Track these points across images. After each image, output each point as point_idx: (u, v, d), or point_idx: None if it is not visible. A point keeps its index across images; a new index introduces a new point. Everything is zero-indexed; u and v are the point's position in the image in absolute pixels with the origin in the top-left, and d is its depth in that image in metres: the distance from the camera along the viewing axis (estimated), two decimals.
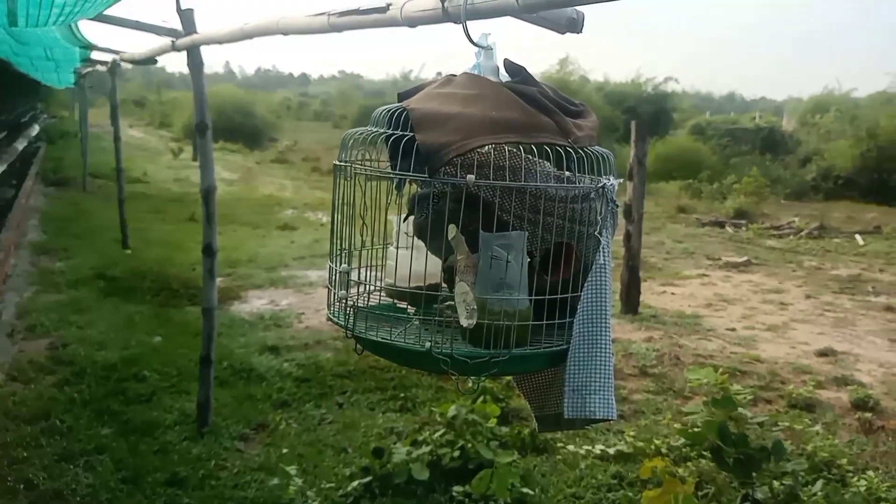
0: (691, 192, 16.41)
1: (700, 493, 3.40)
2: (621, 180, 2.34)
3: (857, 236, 12.28)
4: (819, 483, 3.16)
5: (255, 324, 6.06)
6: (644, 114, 20.83)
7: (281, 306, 6.68)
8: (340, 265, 2.39)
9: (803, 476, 3.21)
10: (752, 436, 3.23)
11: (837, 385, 5.20)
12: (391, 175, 2.36)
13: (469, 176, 2.16)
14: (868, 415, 4.57)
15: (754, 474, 3.05)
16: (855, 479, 3.58)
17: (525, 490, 3.31)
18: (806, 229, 12.77)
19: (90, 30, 7.36)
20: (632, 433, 4.10)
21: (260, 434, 4.09)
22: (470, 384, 4.21)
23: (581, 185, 2.25)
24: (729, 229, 13.08)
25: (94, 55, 7.78)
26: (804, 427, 4.25)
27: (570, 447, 3.95)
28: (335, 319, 2.31)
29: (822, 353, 5.96)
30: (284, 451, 3.82)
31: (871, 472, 3.66)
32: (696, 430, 3.32)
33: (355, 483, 3.35)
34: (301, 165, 21.58)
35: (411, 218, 2.43)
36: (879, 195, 16.44)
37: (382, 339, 2.20)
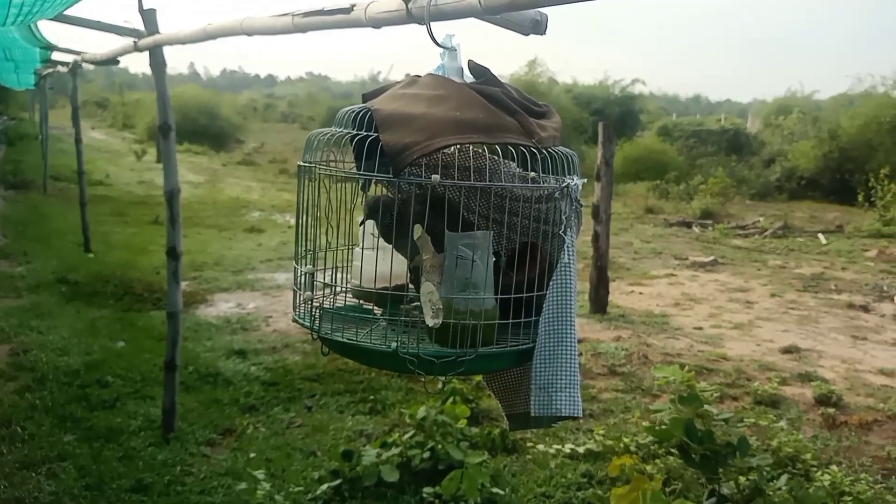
0: (658, 193, 16.55)
1: (668, 490, 3.42)
2: (585, 180, 2.35)
3: (820, 235, 12.47)
4: (784, 478, 3.20)
5: (222, 327, 6.00)
6: (611, 115, 20.99)
7: (248, 309, 6.62)
8: (306, 266, 2.38)
9: (768, 471, 3.24)
10: (718, 432, 3.27)
11: (801, 381, 5.27)
12: (356, 175, 2.35)
13: (434, 176, 2.16)
14: (831, 410, 4.64)
15: (720, 470, 3.07)
16: (819, 473, 3.62)
17: (495, 490, 3.31)
18: (770, 229, 12.94)
19: (50, 30, 7.26)
20: (601, 432, 4.12)
21: (227, 439, 4.04)
22: (440, 385, 4.21)
23: (545, 185, 2.26)
24: (695, 229, 13.22)
25: (55, 56, 7.65)
26: (769, 423, 4.30)
27: (540, 447, 3.96)
28: (301, 321, 2.29)
29: (787, 351, 6.04)
30: (252, 455, 3.78)
31: (834, 467, 3.71)
32: (663, 427, 3.34)
33: (324, 486, 3.32)
34: (268, 167, 21.44)
35: (371, 221, 2.42)
36: (841, 195, 16.69)
37: (349, 340, 2.19)
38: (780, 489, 3.05)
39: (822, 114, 21.55)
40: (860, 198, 14.71)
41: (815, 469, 3.72)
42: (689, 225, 13.57)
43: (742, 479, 3.15)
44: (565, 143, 2.15)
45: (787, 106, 24.52)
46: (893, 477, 3.83)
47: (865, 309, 7.65)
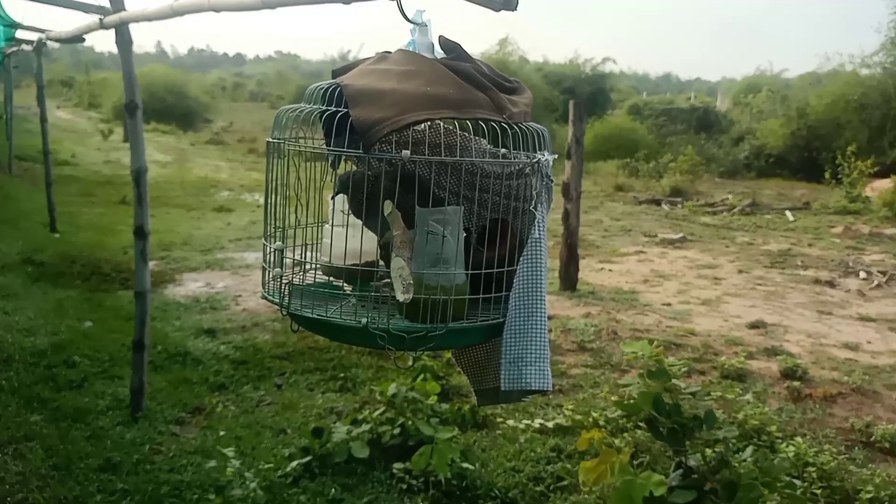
0: (628, 171, 16.64)
1: (635, 462, 3.47)
2: (556, 156, 2.35)
3: (787, 212, 12.62)
4: (749, 449, 3.24)
5: (191, 307, 5.96)
6: (582, 94, 21.02)
7: (217, 289, 6.57)
8: (275, 243, 2.36)
9: (734, 443, 3.29)
10: (685, 406, 3.30)
11: (768, 356, 5.35)
12: (325, 152, 2.33)
13: (404, 151, 2.15)
14: (796, 383, 4.72)
15: (687, 443, 3.11)
16: (784, 444, 3.69)
17: (465, 465, 3.33)
18: (739, 206, 13.08)
19: (14, 7, 7.09)
20: (570, 406, 4.16)
21: (196, 417, 4.02)
22: (410, 362, 4.21)
23: (516, 160, 2.26)
24: (665, 207, 13.32)
25: (19, 34, 7.49)
26: (735, 396, 4.37)
27: (510, 422, 3.99)
28: (270, 298, 2.28)
29: (754, 326, 6.13)
30: (221, 433, 3.77)
31: (798, 439, 3.77)
32: (631, 401, 3.38)
33: (294, 463, 3.33)
34: (237, 147, 21.25)
35: (341, 195, 2.41)
36: (808, 173, 16.91)
37: (318, 316, 2.18)
38: (745, 460, 3.10)
39: (791, 92, 21.73)
40: (827, 175, 14.89)
41: (780, 441, 3.78)
42: (658, 202, 13.67)
43: (708, 451, 3.19)
44: (536, 120, 2.14)
45: (756, 84, 24.75)
46: (856, 448, 3.90)
47: (831, 284, 7.77)
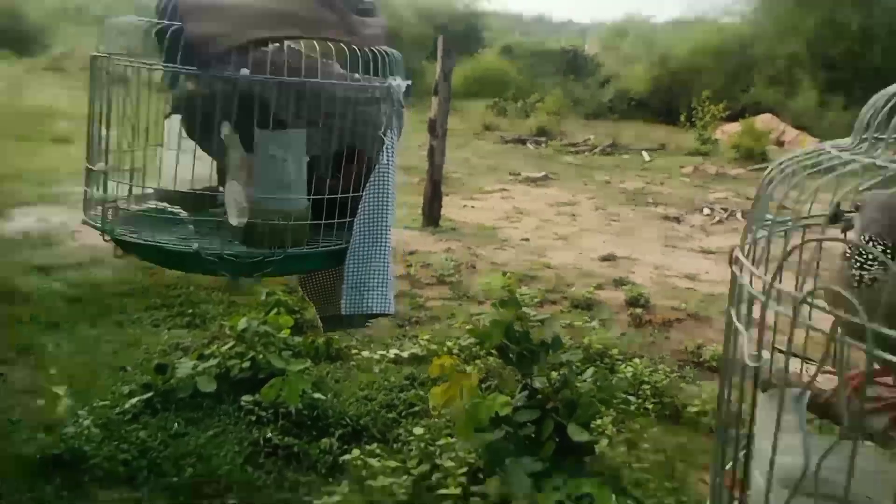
0: (496, 111, 16.78)
1: (485, 386, 3.54)
2: (409, 82, 2.29)
3: (644, 153, 13.11)
4: (590, 370, 3.37)
5: (21, 242, 5.58)
6: (455, 32, 20.88)
7: (52, 224, 6.15)
8: (98, 165, 2.22)
9: (578, 366, 3.40)
10: (535, 334, 3.38)
11: (615, 286, 5.56)
12: (158, 69, 2.18)
13: (243, 70, 2.04)
14: (639, 311, 4.95)
15: (535, 366, 3.20)
16: (623, 366, 3.91)
17: (317, 395, 3.30)
18: (600, 146, 13.46)
19: None
20: (426, 337, 4.19)
21: (25, 357, 3.76)
22: (263, 297, 4.12)
23: (365, 84, 2.18)
24: (530, 146, 13.55)
25: None
26: (583, 323, 4.54)
27: (365, 353, 3.98)
28: (91, 223, 2.15)
29: (605, 259, 6.35)
30: (52, 372, 3.52)
31: (637, 360, 4.00)
32: (484, 328, 3.43)
33: (134, 400, 3.18)
34: (79, 74, 19.85)
35: (176, 116, 2.28)
36: (667, 116, 17.53)
37: (144, 241, 2.07)
38: (586, 381, 3.22)
39: (656, 37, 22.32)
40: (682, 118, 15.50)
41: (619, 362, 3.99)
42: (524, 142, 13.88)
43: (554, 373, 3.29)
44: (407, 58, 2.07)
45: (624, 29, 25.29)
46: (687, 367, 4.17)
47: (678, 220, 8.16)
